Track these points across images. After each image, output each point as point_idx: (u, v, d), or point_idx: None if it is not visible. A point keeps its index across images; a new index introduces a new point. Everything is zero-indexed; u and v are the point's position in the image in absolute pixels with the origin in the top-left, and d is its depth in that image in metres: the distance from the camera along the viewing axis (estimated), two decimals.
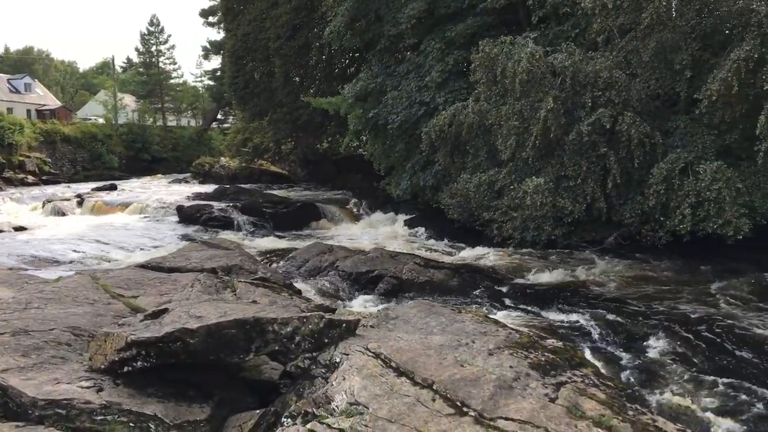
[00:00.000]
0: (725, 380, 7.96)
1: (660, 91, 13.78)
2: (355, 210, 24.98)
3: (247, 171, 39.98)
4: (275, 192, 29.75)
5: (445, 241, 17.93)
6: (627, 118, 13.03)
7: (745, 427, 6.65)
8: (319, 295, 11.56)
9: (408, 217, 21.35)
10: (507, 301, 11.45)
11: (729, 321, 9.84)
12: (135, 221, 23.43)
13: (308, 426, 4.05)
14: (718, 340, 9.15)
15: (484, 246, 16.10)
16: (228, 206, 23.11)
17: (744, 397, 7.48)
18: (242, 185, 32.47)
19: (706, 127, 12.90)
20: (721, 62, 12.25)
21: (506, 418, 4.82)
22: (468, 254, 15.97)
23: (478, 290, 12.05)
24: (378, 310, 7.79)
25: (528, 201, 13.70)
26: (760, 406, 7.22)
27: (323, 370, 5.22)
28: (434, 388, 5.10)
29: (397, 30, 20.00)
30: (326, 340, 5.56)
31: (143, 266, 9.90)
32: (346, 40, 21.83)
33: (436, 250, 16.88)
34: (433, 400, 4.91)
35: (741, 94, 11.72)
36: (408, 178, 19.82)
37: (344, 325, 5.78)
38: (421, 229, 19.62)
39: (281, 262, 14.30)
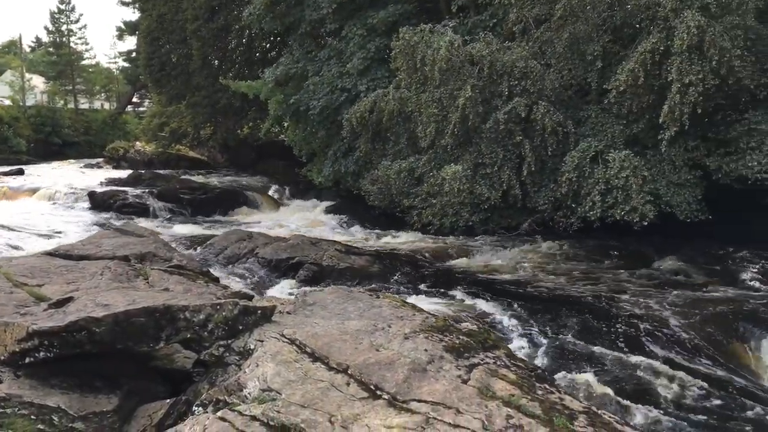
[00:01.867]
0: (629, 358, 8.36)
1: (573, 82, 14.22)
2: (276, 197, 24.72)
3: (164, 156, 38.83)
4: (194, 178, 29.01)
5: (367, 227, 18.03)
6: (541, 107, 13.40)
7: (646, 403, 7.01)
8: (238, 283, 11.40)
9: (330, 203, 21.32)
10: (426, 286, 11.62)
11: (633, 303, 10.32)
12: (43, 208, 22.37)
13: (219, 414, 4.00)
14: (624, 321, 9.58)
15: (404, 232, 16.29)
16: (143, 192, 22.42)
17: (646, 375, 7.88)
18: (159, 171, 31.51)
19: (615, 116, 13.42)
20: (629, 54, 12.75)
21: (419, 400, 4.90)
22: (389, 240, 16.11)
23: (398, 276, 12.17)
24: (295, 297, 7.76)
25: (447, 188, 13.91)
26: (659, 381, 7.65)
27: (237, 358, 5.16)
28: (349, 372, 5.13)
29: (318, 14, 19.85)
30: (241, 327, 5.49)
31: (50, 254, 9.49)
32: (266, 23, 21.47)
33: (357, 237, 16.95)
34: (348, 384, 4.94)
35: (647, 85, 12.24)
36: (330, 164, 19.77)
37: (260, 311, 5.73)
38: (343, 216, 19.63)
39: (198, 250, 14.02)
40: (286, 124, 23.76)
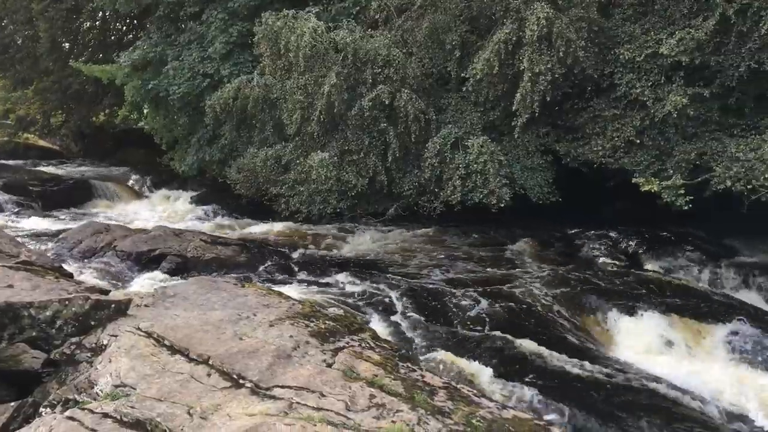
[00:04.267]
0: (491, 335, 8.79)
1: (434, 70, 14.63)
2: (137, 187, 23.54)
3: (10, 146, 35.75)
4: (45, 169, 27.05)
5: (235, 217, 17.62)
6: (404, 94, 13.69)
7: (509, 377, 7.40)
8: (94, 278, 10.81)
9: (195, 193, 20.60)
10: (296, 274, 11.60)
11: (494, 282, 10.83)
12: None
13: (67, 413, 3.80)
14: (486, 300, 10.03)
15: (273, 221, 16.08)
16: None
17: (508, 350, 8.31)
18: (4, 162, 29.07)
19: (474, 104, 13.98)
20: (485, 44, 13.29)
21: (283, 386, 4.91)
22: (257, 229, 15.85)
23: (267, 264, 12.04)
24: (155, 289, 7.48)
25: (314, 175, 13.91)
26: (522, 355, 8.10)
27: (89, 355, 4.92)
28: (210, 363, 5.04)
29: None
30: (93, 323, 5.24)
31: None
32: (120, 4, 20.30)
33: (224, 227, 16.52)
34: (209, 375, 4.85)
35: (502, 74, 12.83)
36: (194, 153, 19.13)
37: (113, 305, 5.49)
38: (209, 206, 19.03)
39: (51, 244, 13.13)
40: (145, 111, 22.68)
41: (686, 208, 10.28)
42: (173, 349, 5.09)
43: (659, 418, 6.95)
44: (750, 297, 10.86)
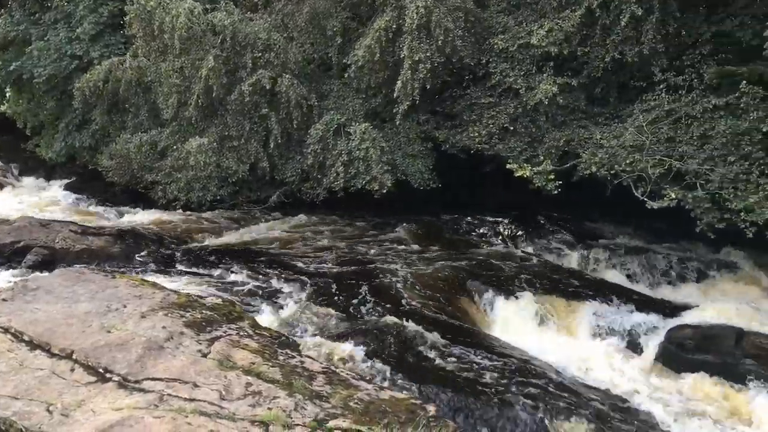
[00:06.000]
0: (374, 319, 8.88)
1: (315, 56, 14.57)
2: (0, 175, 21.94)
3: None
4: None
5: (108, 206, 16.74)
6: (286, 80, 13.53)
7: (391, 360, 7.50)
8: None
9: (64, 181, 19.44)
10: (173, 264, 11.24)
11: (377, 268, 10.94)
12: None
13: None
14: (369, 285, 10.14)
15: (150, 209, 15.44)
16: None
17: (391, 334, 8.36)
18: None
19: (356, 91, 14.04)
20: (367, 31, 13.34)
21: (154, 379, 4.75)
22: (133, 218, 15.16)
23: (144, 255, 11.59)
24: (14, 282, 7.01)
25: (192, 161, 13.51)
26: (404, 337, 8.22)
27: None
28: (74, 357, 4.79)
29: None
30: None
31: None
32: None
33: (97, 216, 15.71)
34: (72, 370, 4.61)
35: (383, 61, 12.94)
36: (62, 138, 18.10)
37: None
38: (81, 195, 17.99)
39: None
40: (7, 94, 21.12)
41: (555, 192, 10.76)
42: (33, 345, 4.80)
43: (531, 392, 7.29)
44: (614, 276, 11.59)
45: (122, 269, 10.41)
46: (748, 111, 9.73)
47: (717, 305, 9.76)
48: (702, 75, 10.86)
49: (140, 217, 14.93)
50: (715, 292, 10.85)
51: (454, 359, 7.94)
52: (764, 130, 9.45)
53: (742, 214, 9.33)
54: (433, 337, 8.37)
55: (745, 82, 9.77)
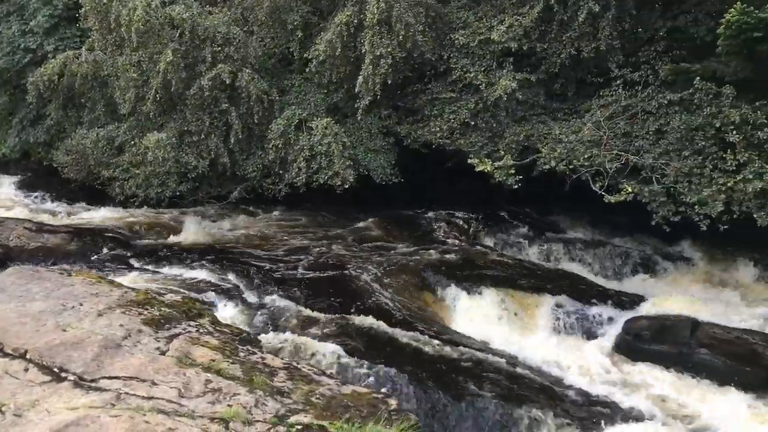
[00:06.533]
0: (334, 314, 8.88)
1: (276, 50, 14.46)
2: None
3: None
4: None
5: (65, 203, 16.37)
6: (246, 74, 13.39)
7: (345, 353, 7.52)
8: None
9: (18, 178, 18.99)
10: (132, 262, 11.05)
11: (340, 263, 10.97)
12: None
13: None
14: (332, 281, 10.19)
15: (108, 206, 15.16)
16: None
17: (349, 328, 8.44)
18: None
19: (317, 86, 13.97)
20: (327, 25, 13.28)
21: (111, 377, 4.68)
22: (90, 216, 14.85)
23: (102, 253, 11.39)
24: None
25: (150, 157, 13.28)
26: (356, 330, 8.26)
27: None
28: (28, 357, 4.69)
29: None
30: None
31: None
32: None
33: (54, 213, 15.33)
34: (26, 369, 4.51)
35: (344, 56, 12.89)
36: (15, 134, 17.70)
37: None
38: (36, 192, 17.59)
39: None
40: None
41: (516, 187, 10.89)
42: None
43: (492, 385, 7.40)
44: (573, 269, 11.79)
45: (79, 267, 10.19)
46: (701, 107, 9.98)
47: (672, 297, 10.03)
48: (657, 71, 11.10)
49: (97, 214, 14.65)
50: (670, 284, 11.12)
51: (416, 354, 8.00)
52: (717, 125, 9.69)
53: (696, 207, 9.59)
54: (397, 332, 8.43)
55: (698, 78, 10.02)
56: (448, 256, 11.56)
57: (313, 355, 7.32)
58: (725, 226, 9.50)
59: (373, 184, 13.65)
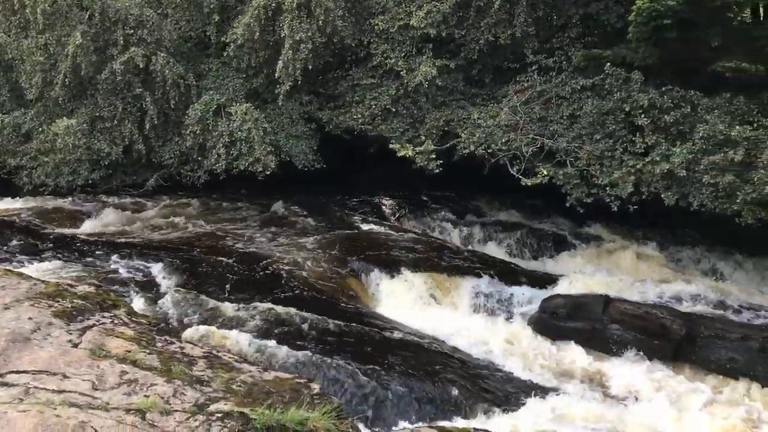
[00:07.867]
0: (255, 302, 8.76)
1: (192, 34, 14.12)
2: None
3: None
4: None
5: None
6: (161, 58, 13.01)
7: (267, 340, 7.46)
8: None
9: None
10: (42, 253, 10.57)
11: (261, 250, 10.85)
12: None
13: None
14: (249, 267, 10.03)
15: (16, 197, 14.46)
16: None
17: (271, 316, 8.35)
18: None
19: (236, 70, 13.73)
20: (245, 9, 13.03)
21: (18, 372, 4.50)
22: None
23: (9, 245, 10.85)
24: None
25: (60, 144, 12.71)
26: (278, 317, 8.20)
27: None
28: None
29: None
30: None
31: None
32: None
33: None
34: None
35: (263, 40, 12.71)
36: None
37: None
38: None
39: None
40: None
41: (437, 171, 11.03)
42: None
43: (413, 366, 7.50)
44: (493, 251, 12.05)
45: None
46: (612, 92, 10.37)
47: (586, 276, 10.40)
48: (570, 57, 11.45)
49: (4, 205, 13.96)
50: (584, 263, 11.51)
51: (339, 338, 8.02)
52: (626, 109, 10.10)
53: (607, 189, 9.98)
54: (319, 318, 8.40)
55: (609, 64, 10.40)
56: (371, 240, 11.59)
57: (235, 343, 7.19)
58: (635, 207, 9.94)
59: (296, 171, 13.54)
